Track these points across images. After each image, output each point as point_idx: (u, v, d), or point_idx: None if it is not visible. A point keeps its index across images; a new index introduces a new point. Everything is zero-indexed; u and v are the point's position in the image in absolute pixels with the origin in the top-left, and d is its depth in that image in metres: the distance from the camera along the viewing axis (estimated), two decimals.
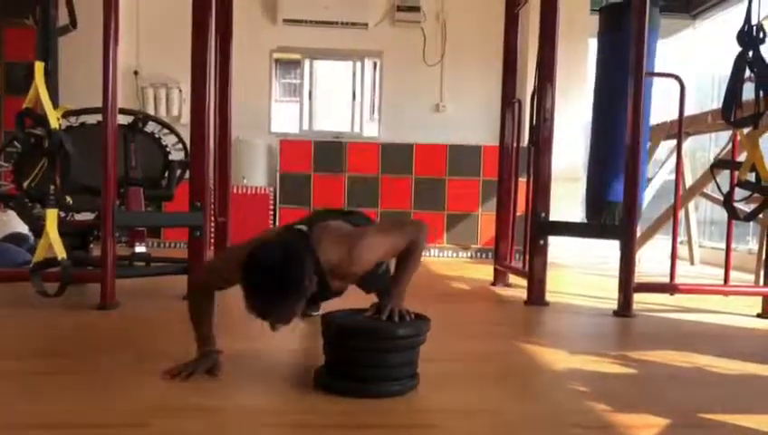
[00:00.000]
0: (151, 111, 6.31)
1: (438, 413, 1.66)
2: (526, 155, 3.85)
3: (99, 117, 3.01)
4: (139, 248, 3.56)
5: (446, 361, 2.17)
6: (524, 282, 3.55)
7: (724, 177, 3.69)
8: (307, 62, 7.03)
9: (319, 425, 1.58)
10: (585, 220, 4.01)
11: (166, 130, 3.93)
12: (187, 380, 1.85)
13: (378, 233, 2.08)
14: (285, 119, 7.32)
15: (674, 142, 4.39)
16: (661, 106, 4.63)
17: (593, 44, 6.23)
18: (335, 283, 1.99)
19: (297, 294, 1.76)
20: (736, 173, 3.35)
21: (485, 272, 4.54)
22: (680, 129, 3.50)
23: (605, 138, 3.85)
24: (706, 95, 6.76)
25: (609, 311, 3.26)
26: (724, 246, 3.60)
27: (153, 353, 2.18)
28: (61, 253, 2.78)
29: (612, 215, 3.80)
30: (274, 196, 6.33)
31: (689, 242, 6.08)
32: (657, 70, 3.74)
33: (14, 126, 2.91)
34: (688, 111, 3.97)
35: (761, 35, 3.20)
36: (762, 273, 3.55)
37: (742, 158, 3.42)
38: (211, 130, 3.44)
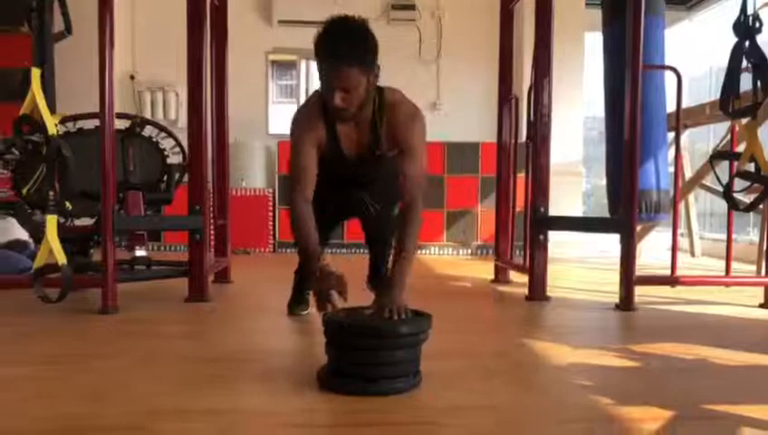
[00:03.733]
0: (148, 115, 6.30)
1: (442, 410, 1.66)
2: (524, 151, 3.84)
3: (96, 122, 3.01)
4: (140, 252, 3.56)
5: (449, 358, 2.16)
6: (525, 278, 3.55)
7: (723, 168, 3.68)
8: (303, 63, 7.03)
9: (322, 425, 1.58)
10: (609, 214, 3.97)
11: (164, 134, 3.93)
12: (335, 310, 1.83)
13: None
14: (283, 120, 7.32)
15: (672, 134, 4.39)
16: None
17: (589, 39, 6.27)
18: (387, 125, 2.06)
19: (370, 53, 1.86)
20: (736, 164, 3.35)
21: (486, 269, 4.54)
22: (678, 121, 3.50)
23: (620, 129, 3.81)
24: (703, 87, 6.76)
25: (611, 304, 3.26)
26: (724, 237, 3.60)
27: (155, 357, 2.18)
28: (61, 259, 2.78)
29: (640, 204, 3.75)
30: (274, 197, 6.33)
31: (689, 234, 6.08)
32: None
33: (10, 133, 2.91)
34: (686, 104, 3.96)
35: (757, 25, 3.20)
36: (763, 263, 3.56)
37: (741, 148, 3.42)
38: (209, 133, 3.45)
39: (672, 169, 4.46)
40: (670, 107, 3.91)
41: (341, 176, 2.44)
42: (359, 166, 2.31)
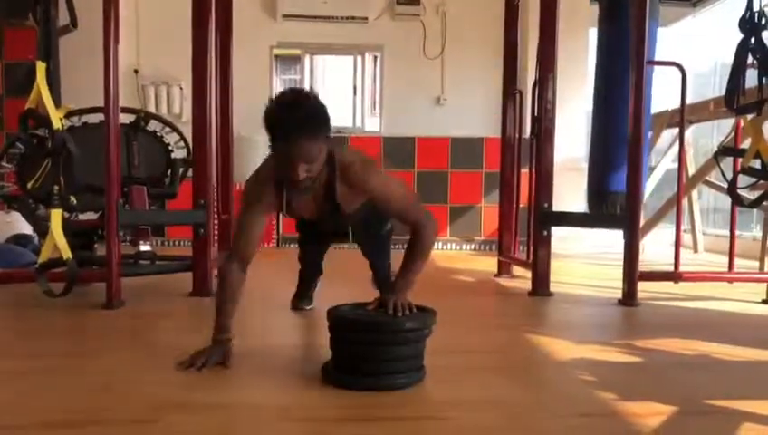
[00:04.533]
0: (152, 110, 6.30)
1: (446, 405, 1.67)
2: (528, 146, 3.84)
3: (101, 116, 3.02)
4: (144, 247, 3.56)
5: (453, 353, 2.17)
6: (528, 273, 3.56)
7: (727, 164, 3.68)
8: (307, 58, 7.03)
9: (327, 419, 1.59)
10: (587, 211, 4.00)
11: (168, 129, 3.93)
12: (200, 371, 1.87)
13: (393, 179, 2.13)
14: None
15: (676, 131, 4.38)
16: (663, 95, 4.62)
17: (594, 34, 6.24)
18: (342, 189, 2.04)
19: (327, 123, 1.84)
20: (740, 160, 3.35)
21: (489, 264, 4.54)
22: (682, 117, 3.50)
23: (606, 127, 3.84)
24: (708, 83, 6.74)
25: (614, 300, 3.26)
26: (727, 233, 3.60)
27: (159, 351, 2.19)
28: (66, 253, 2.79)
29: (614, 205, 3.79)
30: None
31: (693, 230, 6.07)
32: (657, 58, 3.74)
33: (16, 127, 2.92)
34: (690, 100, 3.96)
35: (763, 21, 3.19)
36: (766, 259, 3.55)
37: (745, 145, 3.41)
38: (213, 128, 3.45)
39: (671, 166, 4.46)
40: (673, 103, 3.91)
41: (314, 226, 2.47)
42: (326, 221, 2.30)
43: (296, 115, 1.78)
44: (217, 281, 2.06)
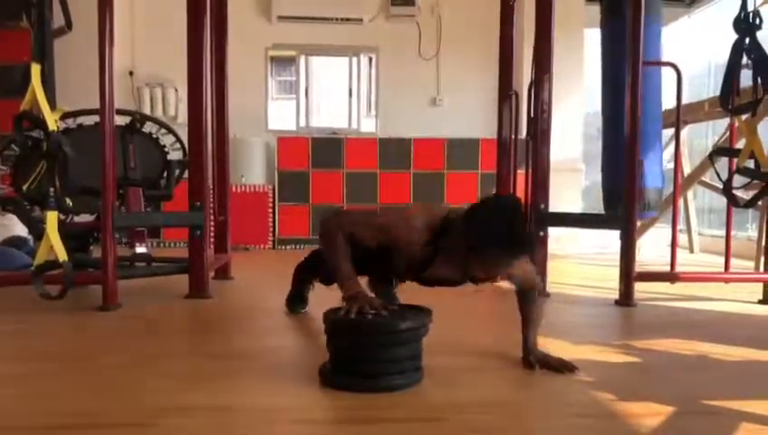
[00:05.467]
0: (148, 112, 6.29)
1: (444, 406, 1.67)
2: (524, 147, 3.84)
3: (96, 118, 3.01)
4: (140, 249, 3.56)
5: (450, 353, 2.17)
6: None
7: (722, 164, 3.69)
8: (302, 59, 7.02)
9: (324, 421, 1.58)
10: (604, 211, 3.98)
11: (164, 131, 3.92)
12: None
13: None
14: (282, 116, 7.31)
15: (672, 131, 4.39)
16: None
17: (589, 35, 6.25)
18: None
19: None
20: (735, 160, 3.35)
21: None
22: (678, 117, 3.50)
23: (616, 127, 3.81)
24: (703, 84, 6.76)
25: (611, 300, 3.27)
26: (723, 233, 3.61)
27: (156, 353, 2.19)
28: (62, 255, 2.78)
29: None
30: (273, 193, 6.32)
31: (689, 230, 6.09)
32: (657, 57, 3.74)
33: (10, 129, 2.91)
34: (685, 100, 3.96)
35: (757, 22, 3.20)
36: (762, 259, 3.56)
37: (740, 145, 3.42)
38: (209, 130, 3.44)
39: (667, 166, 4.46)
40: (668, 104, 3.92)
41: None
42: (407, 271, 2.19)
43: (531, 237, 1.79)
44: (328, 245, 1.97)
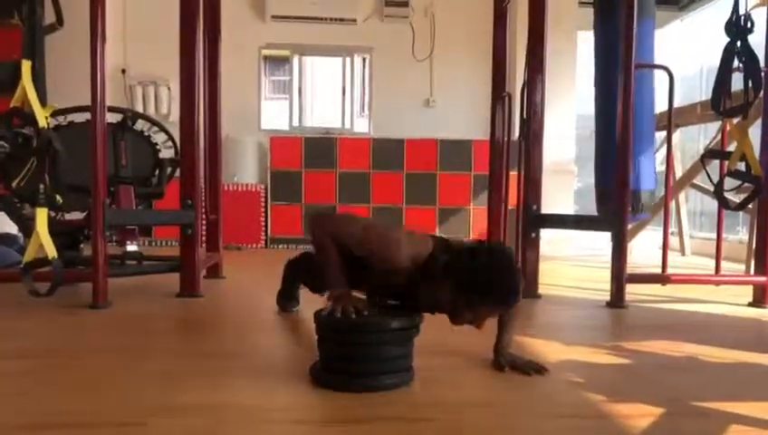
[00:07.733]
0: (140, 110, 6.27)
1: (435, 406, 1.66)
2: (517, 148, 3.85)
3: (87, 115, 2.99)
4: (131, 247, 3.54)
5: (441, 353, 2.17)
6: None
7: (713, 167, 3.70)
8: (296, 59, 7.01)
9: (315, 421, 1.58)
10: (597, 213, 4.00)
11: (155, 128, 3.91)
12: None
13: None
14: (275, 116, 7.30)
15: (664, 133, 4.41)
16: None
17: (581, 37, 6.27)
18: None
19: None
20: (726, 163, 3.37)
21: None
22: (670, 120, 3.52)
23: (608, 129, 3.82)
24: (695, 87, 6.80)
25: (602, 302, 3.27)
26: (714, 236, 3.62)
27: (147, 352, 2.17)
28: (51, 253, 2.76)
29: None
30: (266, 193, 6.31)
31: (680, 233, 6.11)
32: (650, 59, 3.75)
33: (0, 125, 2.89)
34: (677, 103, 3.98)
35: (748, 25, 3.21)
36: (752, 262, 3.58)
37: (732, 148, 3.44)
38: (201, 128, 3.43)
39: (660, 169, 4.48)
40: (661, 107, 3.93)
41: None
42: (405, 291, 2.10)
43: (518, 283, 1.82)
44: (320, 248, 1.97)
